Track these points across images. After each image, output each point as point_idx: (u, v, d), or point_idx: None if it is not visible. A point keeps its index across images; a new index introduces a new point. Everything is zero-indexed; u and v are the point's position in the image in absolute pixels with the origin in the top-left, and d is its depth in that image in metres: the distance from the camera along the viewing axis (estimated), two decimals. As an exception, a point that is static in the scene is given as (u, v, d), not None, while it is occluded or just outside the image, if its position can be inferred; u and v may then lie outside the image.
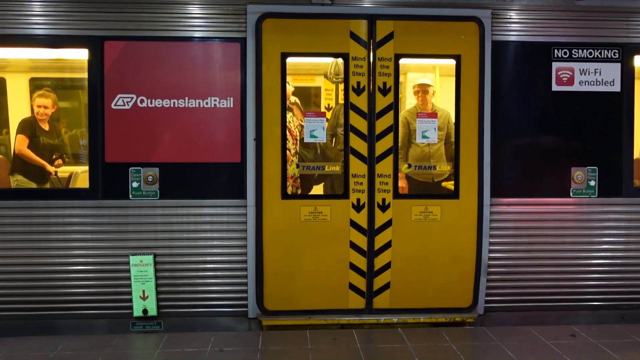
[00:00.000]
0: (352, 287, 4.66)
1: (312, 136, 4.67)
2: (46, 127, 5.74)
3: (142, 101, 4.49)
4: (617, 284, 4.86)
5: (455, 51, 4.64)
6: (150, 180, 4.49)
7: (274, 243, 4.56)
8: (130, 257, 4.51)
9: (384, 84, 4.60)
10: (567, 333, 4.53)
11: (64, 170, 5.90)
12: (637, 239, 4.85)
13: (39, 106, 5.65)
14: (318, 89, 7.79)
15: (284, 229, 4.57)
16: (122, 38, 4.47)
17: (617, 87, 4.77)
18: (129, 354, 4.19)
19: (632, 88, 4.81)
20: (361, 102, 4.59)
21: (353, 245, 4.63)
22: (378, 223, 4.65)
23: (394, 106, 4.62)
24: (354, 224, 4.62)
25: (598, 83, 4.77)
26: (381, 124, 4.62)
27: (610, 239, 4.85)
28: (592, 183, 4.78)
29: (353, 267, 4.64)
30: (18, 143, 5.55)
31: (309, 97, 7.74)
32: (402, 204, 4.66)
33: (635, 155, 4.96)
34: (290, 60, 4.59)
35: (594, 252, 4.84)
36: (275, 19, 4.49)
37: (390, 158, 4.64)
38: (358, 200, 4.61)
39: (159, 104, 4.49)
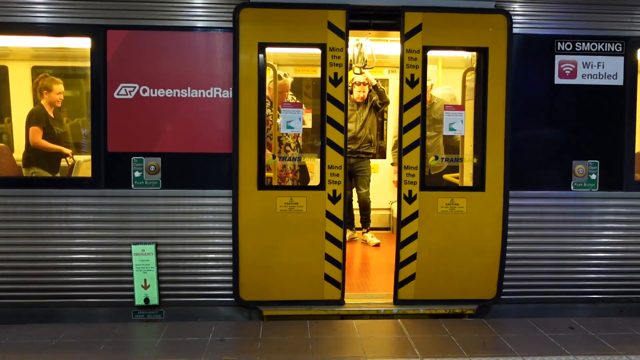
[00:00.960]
0: (328, 278, 4.68)
1: (289, 127, 4.65)
2: (52, 115, 5.79)
3: (144, 91, 4.49)
4: (616, 277, 4.88)
5: (482, 43, 4.63)
6: (152, 169, 4.50)
7: (250, 233, 4.57)
8: (132, 246, 4.53)
9: (412, 75, 4.60)
10: (566, 325, 4.56)
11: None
12: (637, 232, 4.86)
13: (58, 93, 5.75)
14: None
15: (260, 219, 4.57)
16: (125, 27, 4.46)
17: (619, 81, 4.76)
18: (131, 343, 4.22)
19: (634, 82, 4.79)
20: (338, 93, 4.57)
21: (329, 237, 4.63)
22: (404, 215, 4.66)
23: (421, 98, 4.62)
24: (329, 216, 4.62)
25: (601, 76, 4.76)
26: (409, 116, 4.62)
27: (610, 233, 4.86)
28: (593, 176, 4.78)
29: (329, 258, 4.65)
30: (32, 135, 5.61)
31: (317, 88, 7.75)
32: (428, 196, 4.67)
33: (637, 149, 4.96)
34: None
35: (594, 245, 4.85)
36: (253, 8, 4.46)
37: (417, 150, 4.64)
38: (334, 191, 4.60)
39: (161, 94, 4.49)
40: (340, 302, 4.73)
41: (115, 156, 4.49)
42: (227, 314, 4.71)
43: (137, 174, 4.50)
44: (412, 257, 4.69)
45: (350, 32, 5.63)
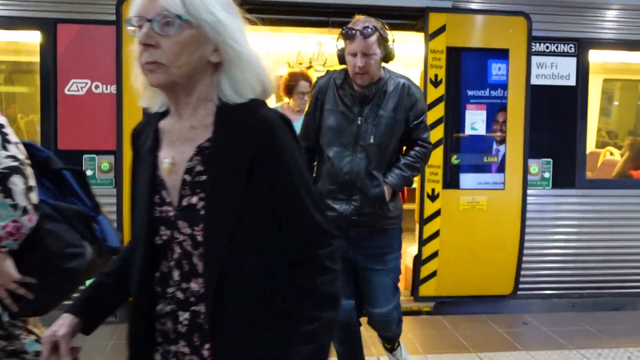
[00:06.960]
0: None
1: None
2: None
3: (97, 87, 4.36)
4: (568, 273, 4.99)
5: (504, 45, 4.69)
6: (105, 168, 4.38)
7: None
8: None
9: (435, 76, 4.61)
10: (520, 321, 4.64)
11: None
12: (589, 229, 4.98)
13: None
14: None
15: None
16: (77, 21, 4.32)
17: (572, 81, 4.87)
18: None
19: (586, 82, 4.90)
20: None
21: None
22: (427, 213, 4.68)
23: (444, 98, 4.63)
24: None
25: (554, 77, 4.85)
26: (432, 115, 4.57)
27: (563, 229, 4.97)
28: (547, 175, 4.88)
29: None
30: None
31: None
32: (450, 194, 4.69)
33: (588, 149, 5.08)
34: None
35: (548, 242, 4.96)
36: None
37: (441, 149, 4.64)
38: None
39: (114, 90, 4.36)
40: None
41: (66, 154, 4.33)
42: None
43: (88, 172, 4.36)
44: (434, 255, 4.71)
45: (312, 29, 5.61)
